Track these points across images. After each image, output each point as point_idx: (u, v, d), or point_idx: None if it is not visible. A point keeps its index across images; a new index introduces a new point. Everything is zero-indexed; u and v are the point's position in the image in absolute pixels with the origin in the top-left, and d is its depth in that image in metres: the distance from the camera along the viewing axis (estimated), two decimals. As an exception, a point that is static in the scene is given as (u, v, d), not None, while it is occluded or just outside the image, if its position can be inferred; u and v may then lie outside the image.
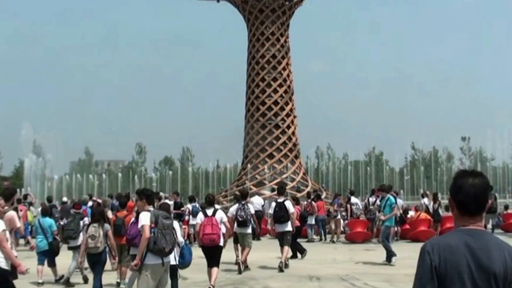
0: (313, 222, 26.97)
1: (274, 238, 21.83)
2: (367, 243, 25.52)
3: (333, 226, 27.98)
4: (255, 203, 26.22)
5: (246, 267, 17.57)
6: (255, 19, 45.22)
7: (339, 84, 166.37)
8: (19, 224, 11.46)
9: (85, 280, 15.62)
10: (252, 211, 17.90)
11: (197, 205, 25.29)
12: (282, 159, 44.61)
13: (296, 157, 45.71)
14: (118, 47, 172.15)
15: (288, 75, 45.42)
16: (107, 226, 13.26)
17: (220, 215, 14.20)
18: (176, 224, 11.78)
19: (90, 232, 13.03)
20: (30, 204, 28.35)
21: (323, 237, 27.56)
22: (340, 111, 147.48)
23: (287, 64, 45.58)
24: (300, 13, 51.38)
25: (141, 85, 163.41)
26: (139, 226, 9.46)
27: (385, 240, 18.82)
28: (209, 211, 14.19)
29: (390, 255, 18.59)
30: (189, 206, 25.46)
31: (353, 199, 28.56)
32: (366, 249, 23.47)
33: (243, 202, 17.66)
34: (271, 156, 44.42)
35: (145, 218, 9.35)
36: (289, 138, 44.87)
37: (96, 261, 13.19)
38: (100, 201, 24.09)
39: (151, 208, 9.56)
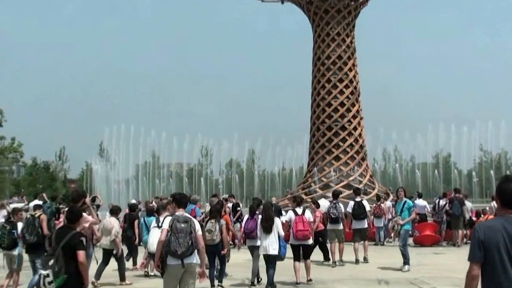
0: (382, 224, 26.65)
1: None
2: (436, 246, 24.98)
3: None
4: (322, 205, 25.76)
5: (341, 261, 19.24)
6: (320, 20, 45.01)
7: (406, 84, 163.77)
8: (87, 225, 11.60)
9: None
10: (343, 210, 19.45)
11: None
12: (349, 161, 44.22)
13: (363, 159, 45.22)
14: (180, 47, 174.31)
15: (354, 76, 44.99)
16: (222, 221, 14.64)
17: (308, 214, 15.65)
18: (277, 219, 14.51)
19: (207, 227, 14.37)
20: (98, 206, 28.79)
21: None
22: (407, 112, 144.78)
23: (353, 65, 45.16)
24: (366, 13, 50.82)
25: (205, 87, 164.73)
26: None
27: (405, 245, 18.16)
28: (299, 210, 15.45)
29: (407, 261, 17.98)
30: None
31: (421, 202, 27.94)
32: (435, 252, 22.97)
33: (334, 201, 19.60)
34: (337, 158, 44.10)
35: (166, 222, 9.82)
36: (356, 140, 44.44)
37: (212, 252, 14.47)
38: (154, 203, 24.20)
39: (179, 212, 9.86)
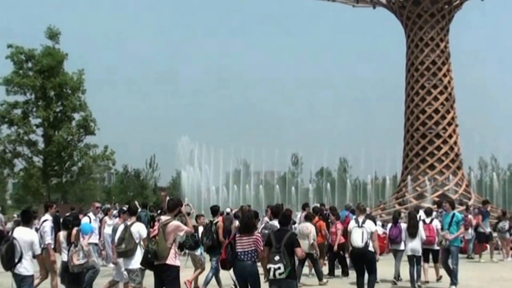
0: (470, 236, 24.97)
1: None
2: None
3: (499, 242, 26.28)
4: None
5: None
6: (413, 25, 44.08)
7: (504, 90, 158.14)
8: (182, 233, 11.48)
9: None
10: None
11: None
12: (444, 170, 43.01)
13: (459, 168, 43.88)
14: (270, 55, 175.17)
15: (449, 82, 43.84)
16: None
17: (435, 223, 17.61)
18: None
19: None
20: (188, 214, 28.81)
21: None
22: (505, 119, 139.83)
23: (448, 70, 44.00)
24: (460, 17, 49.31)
25: (294, 94, 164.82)
26: None
27: (457, 264, 16.68)
28: (427, 220, 17.53)
29: (456, 281, 16.48)
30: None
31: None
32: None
33: (439, 211, 21.67)
34: (432, 167, 43.00)
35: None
36: (451, 148, 43.20)
37: None
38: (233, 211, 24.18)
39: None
